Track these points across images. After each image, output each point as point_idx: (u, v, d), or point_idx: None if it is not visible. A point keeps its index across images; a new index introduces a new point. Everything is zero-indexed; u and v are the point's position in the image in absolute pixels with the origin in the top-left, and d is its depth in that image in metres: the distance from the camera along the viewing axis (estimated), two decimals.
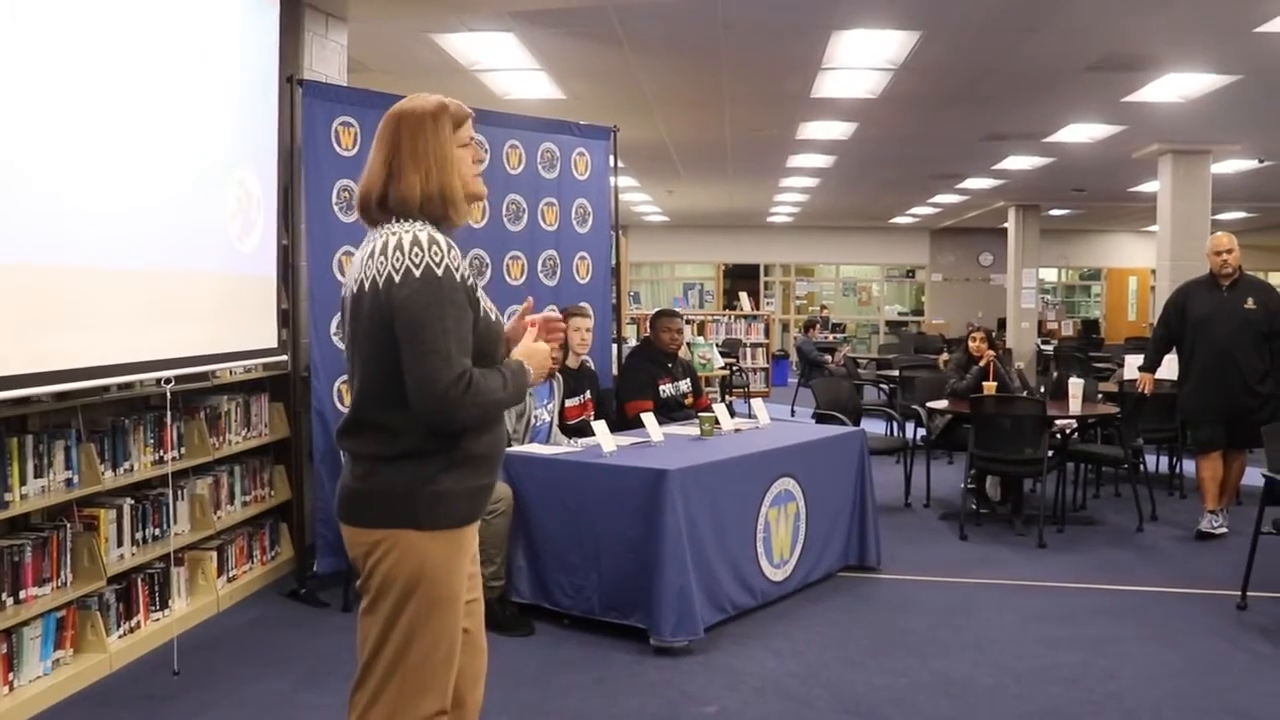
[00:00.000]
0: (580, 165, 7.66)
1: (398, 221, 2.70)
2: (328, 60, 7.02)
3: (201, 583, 5.82)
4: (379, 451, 2.67)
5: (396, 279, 2.59)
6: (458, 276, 2.64)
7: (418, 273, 2.59)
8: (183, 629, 5.38)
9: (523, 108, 9.69)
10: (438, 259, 2.61)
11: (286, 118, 6.12)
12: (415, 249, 2.61)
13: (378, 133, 2.81)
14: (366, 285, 2.64)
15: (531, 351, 2.91)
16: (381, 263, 2.62)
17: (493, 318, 2.79)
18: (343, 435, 2.76)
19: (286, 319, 6.31)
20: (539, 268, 7.36)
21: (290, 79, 6.13)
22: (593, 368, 7.20)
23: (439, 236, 2.67)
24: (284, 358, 6.30)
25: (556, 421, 6.50)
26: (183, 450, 5.73)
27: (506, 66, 9.19)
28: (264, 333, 6.02)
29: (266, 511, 6.54)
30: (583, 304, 7.22)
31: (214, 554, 5.88)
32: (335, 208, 6.16)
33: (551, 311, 3.01)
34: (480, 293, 2.76)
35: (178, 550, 5.57)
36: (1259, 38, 7.93)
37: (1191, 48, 8.53)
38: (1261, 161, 14.30)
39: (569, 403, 6.71)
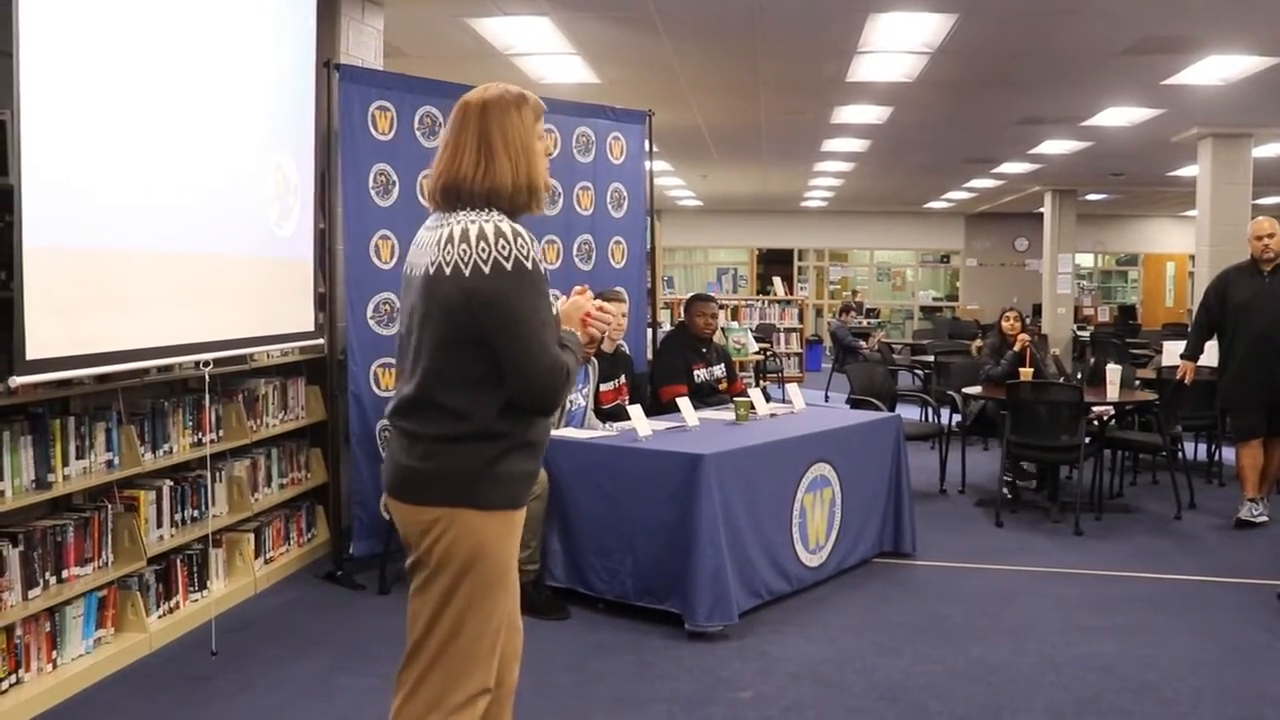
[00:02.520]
0: (616, 150, 7.66)
1: (473, 210, 2.72)
2: (364, 45, 7.04)
3: (239, 564, 5.86)
4: (444, 432, 2.69)
5: (486, 269, 2.61)
6: (542, 268, 2.69)
7: (508, 265, 2.62)
8: (220, 610, 5.42)
9: (558, 92, 9.68)
10: (525, 251, 2.64)
11: (323, 102, 6.14)
12: (501, 240, 2.63)
13: (457, 120, 2.83)
14: (447, 269, 2.65)
15: (570, 312, 2.93)
16: (464, 250, 2.64)
17: (556, 308, 2.86)
18: (400, 415, 2.77)
19: (323, 303, 6.34)
20: (574, 252, 7.37)
21: (327, 63, 6.14)
22: (627, 352, 7.20)
23: (519, 228, 2.69)
24: (320, 341, 6.33)
25: (591, 406, 6.51)
26: (221, 433, 5.77)
27: (542, 51, 9.17)
28: (301, 316, 6.05)
29: (303, 494, 6.59)
30: (618, 288, 7.22)
31: (251, 536, 5.93)
32: (372, 192, 6.18)
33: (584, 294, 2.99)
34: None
35: (216, 532, 5.62)
36: None
37: (1232, 29, 8.41)
38: None
39: (604, 387, 6.71)
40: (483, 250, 2.62)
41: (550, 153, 2.96)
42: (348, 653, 5.05)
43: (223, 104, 5.14)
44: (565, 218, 7.28)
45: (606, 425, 6.26)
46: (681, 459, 5.28)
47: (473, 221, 2.67)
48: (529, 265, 2.65)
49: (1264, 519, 7.68)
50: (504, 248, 2.63)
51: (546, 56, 9.35)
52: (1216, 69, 9.65)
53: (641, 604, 5.44)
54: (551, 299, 2.79)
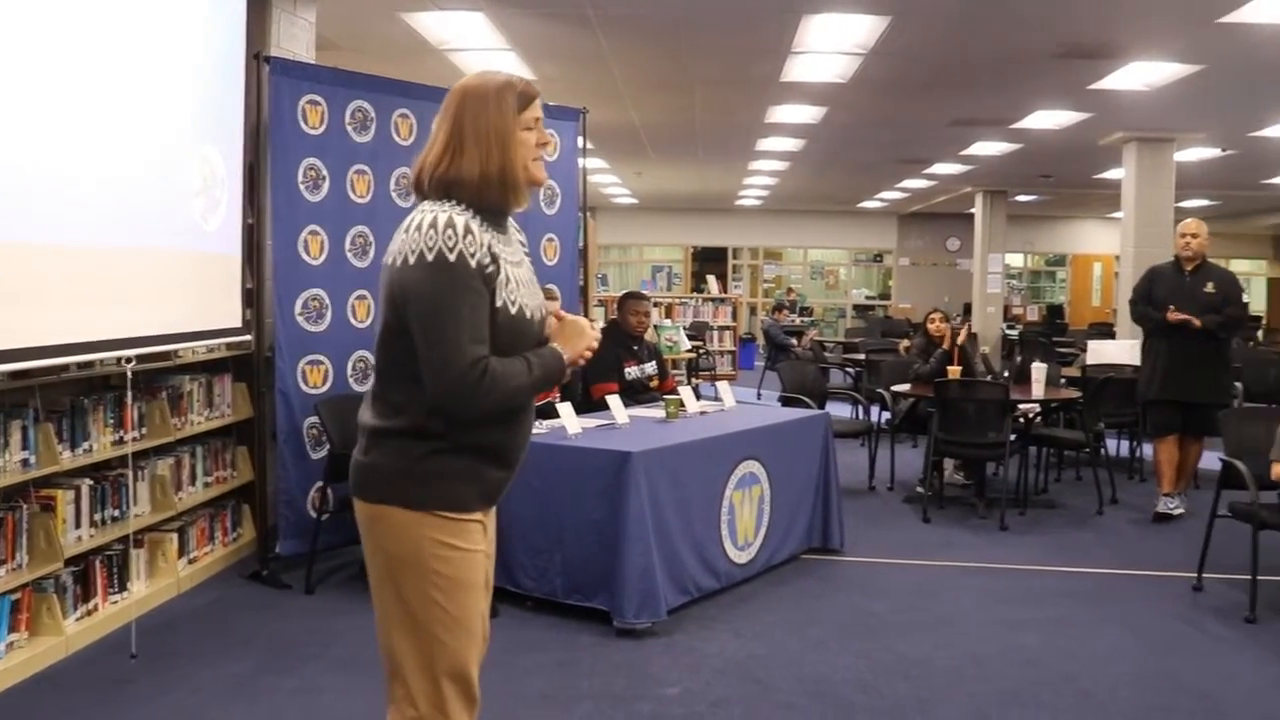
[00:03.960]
0: (549, 146, 7.62)
1: (436, 200, 2.64)
2: (296, 37, 6.97)
3: (162, 565, 5.78)
4: (382, 425, 2.65)
5: (412, 260, 2.54)
6: (473, 263, 2.54)
7: (430, 257, 2.52)
8: (141, 611, 5.33)
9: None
10: (451, 244, 2.53)
11: (253, 95, 6.07)
12: (431, 231, 2.54)
13: (441, 108, 2.72)
14: (390, 260, 2.61)
15: (568, 331, 2.80)
16: (403, 241, 2.58)
17: (512, 311, 2.64)
18: (362, 407, 2.74)
19: (251, 298, 6.27)
20: None
21: (257, 56, 6.07)
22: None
23: (459, 220, 2.56)
24: (248, 337, 6.26)
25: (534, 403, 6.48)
26: (143, 430, 5.69)
27: (476, 47, 9.14)
28: (227, 312, 5.98)
29: (229, 493, 6.51)
30: (550, 285, 7.21)
31: (174, 535, 5.84)
32: (301, 187, 6.12)
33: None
34: (508, 285, 2.64)
35: (137, 532, 5.53)
36: (1221, 28, 7.98)
37: (1156, 37, 8.57)
38: (1224, 150, 14.41)
39: None
40: (414, 242, 2.55)
41: (546, 143, 2.76)
42: (273, 653, 5.00)
43: (145, 94, 5.05)
44: None
45: (537, 423, 6.24)
46: (610, 457, 5.29)
47: (423, 212, 2.61)
48: (452, 259, 2.53)
49: (1180, 512, 7.86)
50: (431, 240, 2.54)
51: (481, 52, 9.32)
52: (1140, 75, 9.82)
53: (570, 602, 5.44)
54: (514, 308, 2.63)
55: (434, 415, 2.59)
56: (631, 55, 9.60)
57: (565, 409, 5.91)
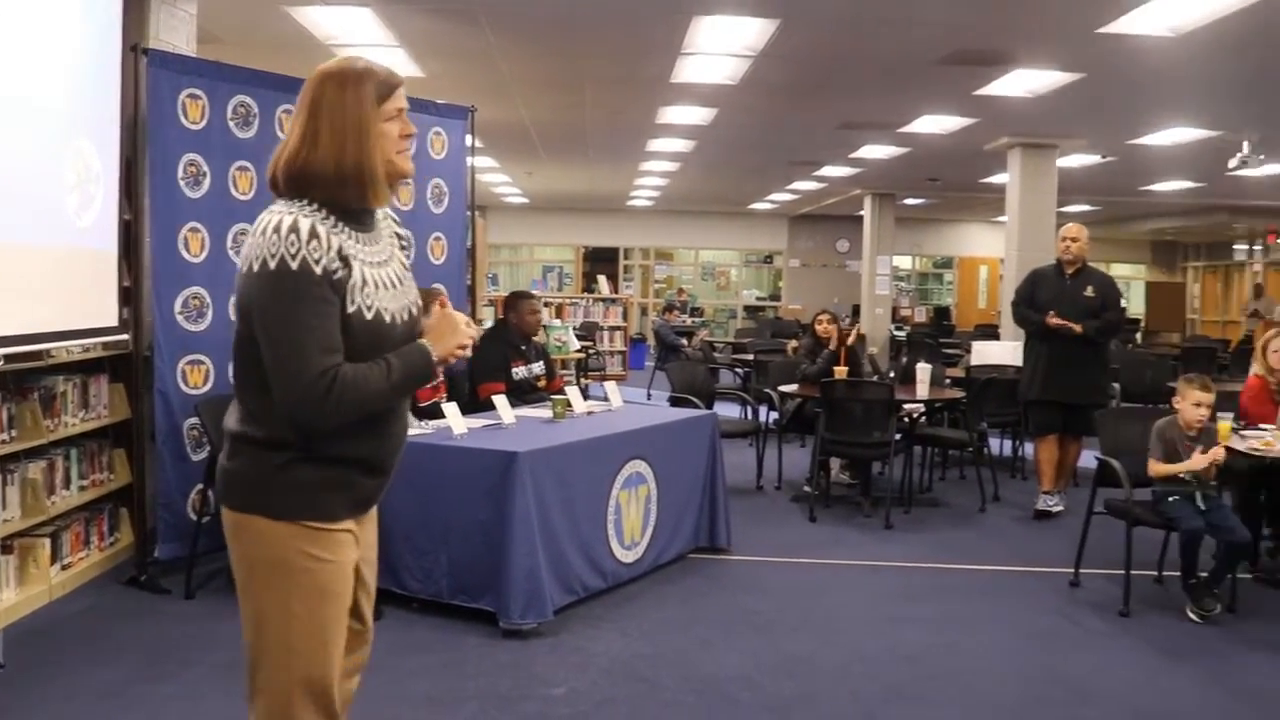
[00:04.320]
0: (437, 145, 7.58)
1: (287, 199, 2.52)
2: (176, 30, 6.81)
3: (33, 571, 5.60)
4: (243, 432, 2.56)
5: (255, 268, 2.43)
6: (317, 270, 2.43)
7: (272, 265, 2.41)
8: (10, 620, 5.17)
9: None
10: (293, 250, 2.42)
11: (130, 88, 5.91)
12: (275, 237, 2.42)
13: (299, 96, 2.59)
14: (243, 267, 2.50)
15: (439, 327, 2.68)
16: (249, 245, 2.48)
17: (368, 316, 2.54)
18: (228, 410, 2.65)
19: (128, 296, 6.11)
20: None
21: (134, 48, 5.92)
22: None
23: (304, 224, 2.45)
24: (125, 336, 6.09)
25: (407, 404, 6.42)
26: (14, 432, 5.51)
27: (364, 43, 9.02)
28: (103, 310, 5.81)
29: (105, 496, 6.33)
30: (436, 285, 7.15)
31: (47, 541, 5.66)
32: (181, 183, 5.99)
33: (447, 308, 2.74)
34: (363, 289, 2.54)
35: (7, 537, 5.36)
36: (1101, 38, 8.17)
37: (1038, 45, 8.76)
38: (1104, 157, 14.77)
39: None
40: (258, 247, 2.44)
41: (411, 134, 2.62)
42: (150, 660, 4.88)
43: (13, 85, 4.90)
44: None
45: (423, 423, 6.19)
46: (496, 457, 5.26)
47: (273, 213, 2.49)
48: (294, 266, 2.42)
49: (1059, 509, 8.06)
50: (274, 246, 2.43)
51: (368, 49, 9.20)
52: (1024, 82, 10.02)
53: (456, 603, 5.40)
54: (370, 313, 2.54)
55: (290, 425, 2.51)
56: (521, 53, 9.56)
57: (451, 409, 5.87)
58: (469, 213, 7.92)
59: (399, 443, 2.75)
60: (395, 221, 2.80)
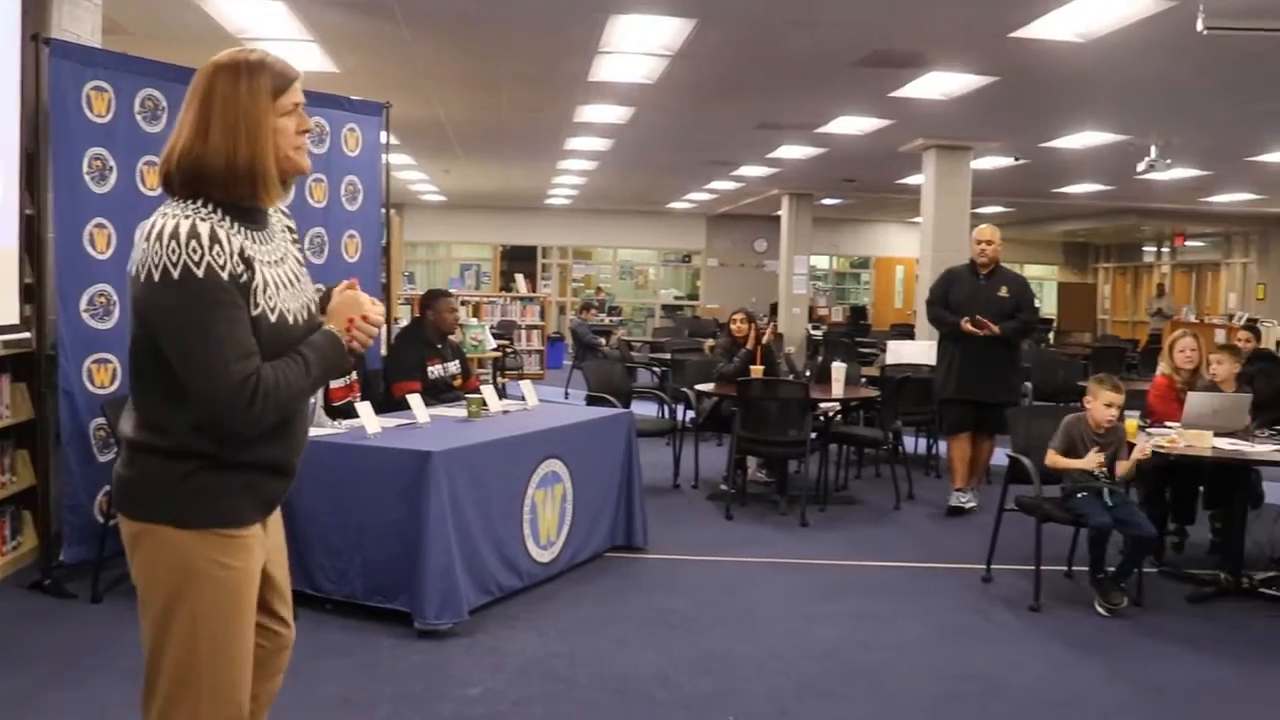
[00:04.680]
0: (351, 141, 7.50)
1: (180, 200, 2.44)
2: (80, 20, 6.65)
3: None
4: (144, 441, 2.48)
5: (156, 277, 2.34)
6: (224, 274, 2.37)
7: (176, 273, 2.33)
8: None
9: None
10: (196, 256, 2.33)
11: (30, 79, 5.76)
12: (174, 244, 2.33)
13: (190, 88, 2.51)
14: (133, 271, 2.41)
15: (339, 308, 2.62)
16: (144, 251, 2.38)
17: (273, 318, 2.49)
18: (122, 416, 2.58)
19: (30, 294, 5.96)
20: (305, 245, 7.17)
21: (35, 37, 5.77)
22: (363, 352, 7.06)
23: (203, 228, 2.37)
24: (27, 335, 5.95)
25: (321, 403, 6.36)
26: None
27: (276, 36, 8.90)
28: (4, 308, 5.69)
29: (7, 499, 6.17)
30: (352, 280, 7.06)
31: None
32: (87, 177, 5.86)
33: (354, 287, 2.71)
34: (265, 290, 2.48)
35: None
36: (1013, 42, 8.29)
37: (951, 48, 8.87)
38: (1017, 159, 15.00)
39: (334, 384, 6.58)
40: (156, 255, 2.35)
41: (307, 129, 2.55)
42: (56, 666, 4.76)
43: None
44: (296, 210, 6.91)
45: (336, 422, 6.13)
46: (410, 456, 5.22)
47: (166, 216, 2.40)
48: (200, 274, 2.34)
49: (972, 506, 8.17)
50: (174, 252, 2.34)
51: (281, 43, 9.07)
52: (939, 85, 10.15)
53: (371, 603, 5.34)
54: (274, 316, 2.49)
55: (200, 434, 2.45)
56: (437, 50, 9.50)
57: (365, 409, 5.81)
58: (384, 210, 7.84)
59: (303, 443, 2.72)
60: (284, 214, 2.72)
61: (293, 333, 2.54)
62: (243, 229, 2.48)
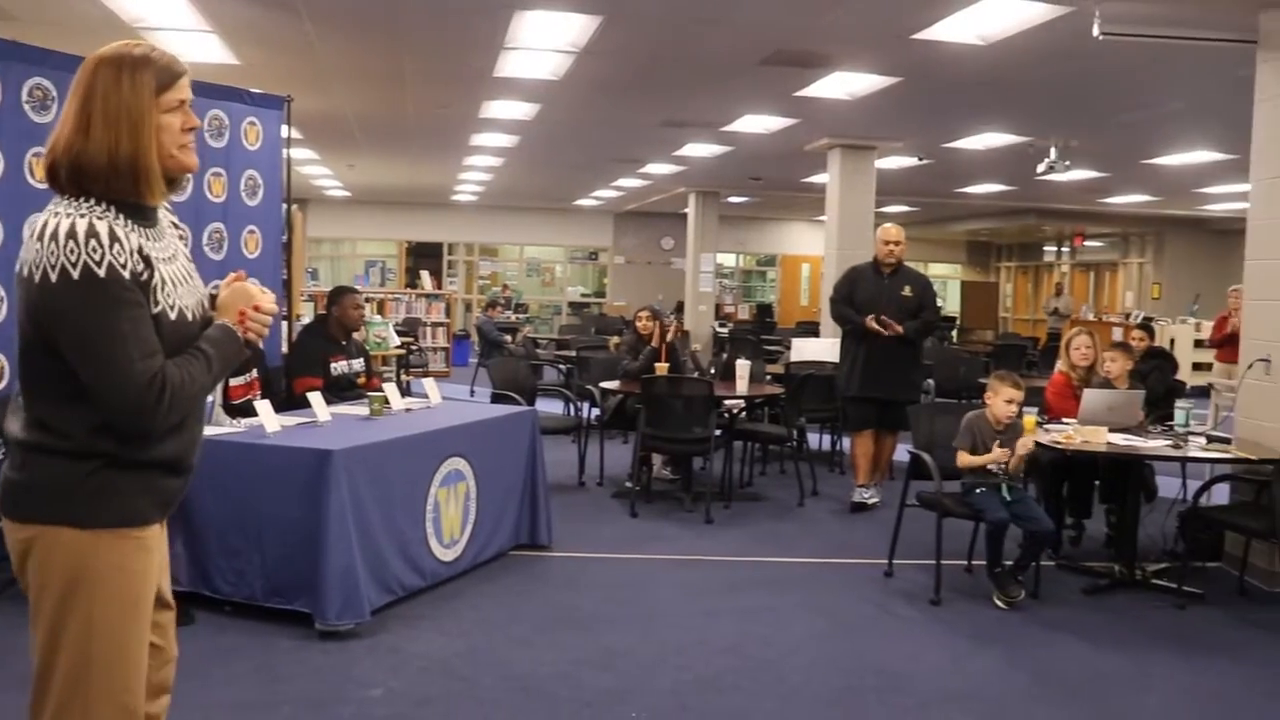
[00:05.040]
0: (251, 135, 7.38)
1: (68, 197, 2.39)
2: None
3: None
4: (38, 442, 2.42)
5: (53, 278, 2.28)
6: (125, 273, 2.33)
7: (76, 274, 2.28)
8: None
9: (194, 73, 9.17)
10: (97, 256, 2.29)
11: None
12: (71, 243, 2.29)
13: (74, 81, 2.46)
14: (24, 271, 2.34)
15: (229, 300, 2.60)
16: (38, 251, 2.32)
17: (172, 316, 2.46)
18: (5, 418, 2.51)
19: None
20: (204, 241, 7.04)
21: None
22: (260, 345, 6.95)
23: (101, 226, 2.33)
24: None
25: (220, 401, 6.25)
26: None
27: (175, 27, 8.71)
28: None
29: None
30: (250, 279, 6.96)
31: None
32: None
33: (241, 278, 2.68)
34: (164, 288, 2.45)
35: None
36: (915, 43, 8.38)
37: (856, 49, 8.94)
38: (921, 159, 15.18)
39: (233, 381, 6.48)
40: (53, 255, 2.30)
41: (194, 126, 2.51)
42: None
43: None
44: (195, 205, 6.93)
45: (235, 421, 6.03)
46: (310, 455, 5.15)
47: (55, 214, 2.35)
48: (101, 274, 2.30)
49: (875, 502, 8.26)
50: (73, 252, 2.29)
51: (180, 33, 8.89)
52: (843, 84, 10.23)
53: (270, 605, 5.26)
54: (173, 313, 2.46)
55: (100, 434, 2.41)
56: (340, 43, 9.37)
57: (264, 407, 5.72)
58: (285, 206, 7.74)
59: (199, 440, 2.69)
60: (168, 210, 2.68)
61: (191, 329, 2.53)
62: (137, 226, 2.44)
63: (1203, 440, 6.35)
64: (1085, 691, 4.87)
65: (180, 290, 2.51)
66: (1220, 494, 6.86)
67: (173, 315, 2.46)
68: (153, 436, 2.45)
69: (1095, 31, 6.87)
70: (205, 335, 2.53)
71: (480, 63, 9.82)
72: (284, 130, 7.68)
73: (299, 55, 9.70)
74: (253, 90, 7.52)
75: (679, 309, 22.14)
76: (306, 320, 10.22)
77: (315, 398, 6.12)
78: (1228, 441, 6.40)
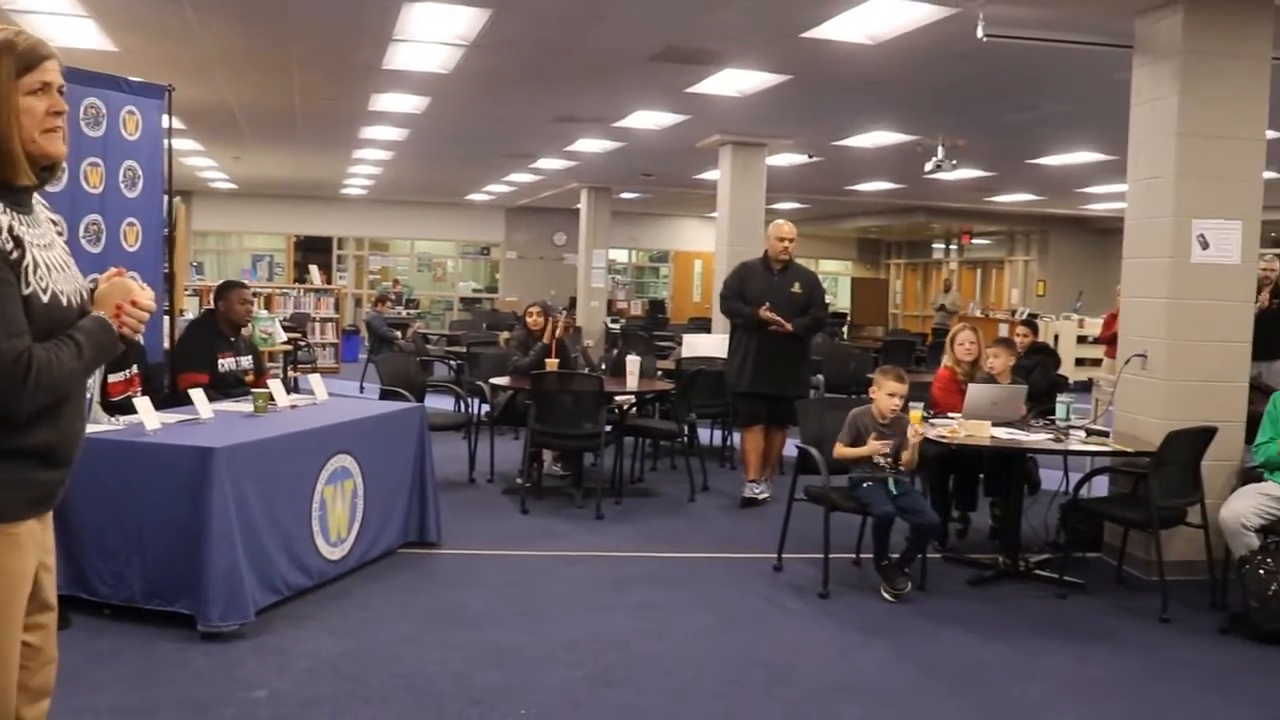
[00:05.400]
0: (130, 124, 7.20)
1: None
2: None
3: None
4: None
5: None
6: None
7: None
8: None
9: (69, 59, 8.90)
10: None
11: None
12: None
13: None
14: None
15: (107, 294, 2.55)
16: None
17: (45, 298, 2.41)
18: None
19: None
20: (81, 234, 6.85)
21: None
22: (137, 341, 6.79)
23: None
24: None
25: (98, 398, 6.08)
26: None
27: (48, 10, 8.46)
28: None
29: None
30: (130, 274, 6.79)
31: None
32: None
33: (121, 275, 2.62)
34: (36, 271, 2.39)
35: None
36: (804, 42, 8.45)
37: (745, 46, 8.99)
38: (811, 156, 15.34)
39: (112, 378, 6.32)
40: None
41: (60, 110, 2.47)
42: None
43: None
44: (70, 196, 6.73)
45: (114, 418, 5.87)
46: (191, 453, 5.03)
47: None
48: None
49: (765, 497, 8.33)
50: None
51: (54, 17, 8.64)
52: (733, 81, 10.29)
53: (151, 607, 5.13)
54: (46, 295, 2.41)
55: None
56: (223, 31, 9.18)
57: (143, 404, 5.58)
58: (167, 197, 7.57)
59: (78, 434, 2.61)
60: (45, 206, 2.62)
61: (66, 315, 2.47)
62: (8, 209, 2.39)
63: (1083, 434, 6.50)
64: (971, 681, 4.95)
65: (55, 275, 2.46)
66: (1100, 486, 7.02)
67: (45, 298, 2.41)
68: (19, 419, 2.37)
69: (979, 33, 6.99)
70: (78, 325, 2.47)
71: (369, 54, 9.71)
72: (165, 120, 7.51)
73: (180, 42, 9.48)
74: (132, 78, 7.34)
75: (571, 305, 22.13)
76: (190, 316, 10.03)
77: (197, 394, 5.99)
78: (1107, 435, 6.55)
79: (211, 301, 7.74)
